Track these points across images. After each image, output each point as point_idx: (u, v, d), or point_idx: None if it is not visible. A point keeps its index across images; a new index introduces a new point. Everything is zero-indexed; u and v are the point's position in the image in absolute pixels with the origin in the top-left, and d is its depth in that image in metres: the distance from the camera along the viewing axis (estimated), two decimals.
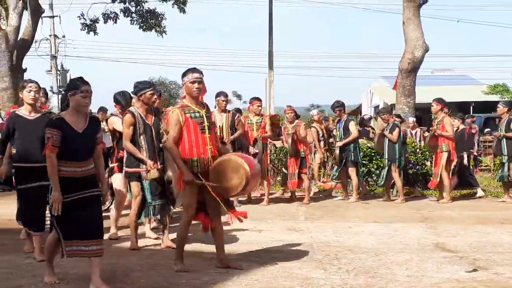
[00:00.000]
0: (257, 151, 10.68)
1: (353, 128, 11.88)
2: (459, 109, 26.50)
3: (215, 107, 10.30)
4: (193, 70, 6.09)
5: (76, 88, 5.27)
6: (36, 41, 22.36)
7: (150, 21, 20.34)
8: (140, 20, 20.53)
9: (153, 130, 7.08)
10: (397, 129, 11.81)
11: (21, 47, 16.82)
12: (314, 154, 13.68)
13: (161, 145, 7.13)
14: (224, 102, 10.46)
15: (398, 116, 13.38)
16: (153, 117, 7.16)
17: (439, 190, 11.88)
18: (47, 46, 31.99)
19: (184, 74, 6.07)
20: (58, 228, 5.28)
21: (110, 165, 8.00)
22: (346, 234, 8.29)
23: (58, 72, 31.58)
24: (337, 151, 11.88)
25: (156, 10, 20.57)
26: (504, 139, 11.63)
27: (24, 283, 5.67)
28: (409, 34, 15.54)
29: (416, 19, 15.56)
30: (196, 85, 6.01)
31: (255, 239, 7.81)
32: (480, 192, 12.51)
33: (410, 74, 15.62)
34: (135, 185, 7.12)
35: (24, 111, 6.68)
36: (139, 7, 20.39)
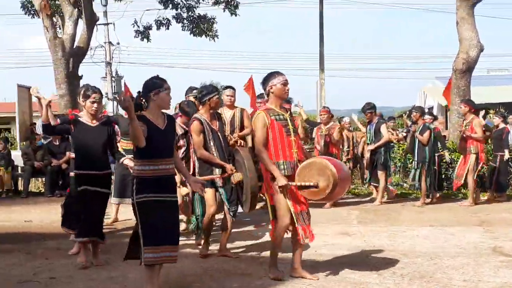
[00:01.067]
0: None
1: (384, 131, 11.72)
2: None
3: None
4: (280, 73, 6.00)
5: (159, 87, 5.24)
6: (91, 48, 22.80)
7: (201, 26, 20.53)
8: (191, 26, 20.73)
9: (219, 135, 6.97)
10: (428, 131, 11.61)
11: (77, 54, 17.16)
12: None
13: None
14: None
15: (431, 114, 13.06)
16: (217, 122, 7.06)
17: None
18: (102, 53, 32.55)
19: (268, 78, 5.97)
20: (141, 231, 5.14)
21: None
22: (400, 238, 8.18)
23: (113, 79, 32.12)
24: (368, 154, 11.76)
25: (207, 15, 20.75)
26: None
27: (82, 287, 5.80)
28: (463, 34, 15.24)
29: (470, 18, 15.25)
30: (287, 87, 5.96)
31: (308, 243, 7.78)
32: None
33: (465, 75, 15.31)
34: (210, 193, 6.88)
35: (86, 118, 6.63)
36: (190, 12, 20.59)
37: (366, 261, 6.79)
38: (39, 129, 13.29)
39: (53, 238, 8.19)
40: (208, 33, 20.59)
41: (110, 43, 32.32)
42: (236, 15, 20.15)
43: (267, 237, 7.89)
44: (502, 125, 12.42)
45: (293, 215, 5.79)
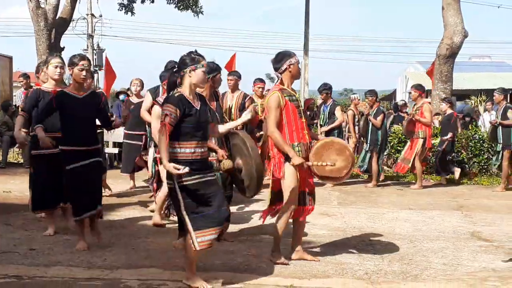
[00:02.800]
0: (262, 133, 10.43)
1: (339, 113, 11.85)
2: None
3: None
4: (293, 53, 5.84)
5: (197, 62, 4.96)
6: (73, 20, 22.47)
7: (187, 0, 20.32)
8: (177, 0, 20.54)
9: (217, 116, 6.61)
10: (381, 115, 11.91)
11: (59, 25, 16.95)
12: (348, 139, 13.54)
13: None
14: (261, 89, 10.55)
15: (449, 101, 13.24)
16: (215, 103, 6.72)
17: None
18: (84, 25, 32.22)
19: (284, 57, 5.75)
20: (188, 218, 4.86)
21: (158, 155, 7.17)
22: (380, 220, 8.24)
23: (94, 51, 31.82)
24: (323, 136, 11.86)
25: None
26: (500, 127, 11.52)
27: (62, 259, 5.77)
28: (448, 20, 15.29)
29: (456, 4, 15.29)
30: (299, 67, 5.87)
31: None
32: (457, 174, 12.31)
33: (448, 60, 15.39)
34: None
35: (71, 89, 6.25)
36: None
37: (346, 242, 6.84)
38: (17, 101, 13.15)
39: None
40: (193, 8, 20.40)
41: (92, 15, 31.95)
42: None
43: (253, 219, 7.92)
44: (449, 111, 12.65)
45: (299, 195, 5.71)
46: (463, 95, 24.43)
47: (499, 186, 11.55)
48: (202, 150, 4.96)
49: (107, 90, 16.88)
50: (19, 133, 6.75)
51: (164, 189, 7.04)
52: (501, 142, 11.50)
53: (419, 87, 11.87)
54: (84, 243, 6.19)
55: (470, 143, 13.10)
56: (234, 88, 9.56)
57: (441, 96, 15.36)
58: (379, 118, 11.77)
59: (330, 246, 6.52)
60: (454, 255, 6.32)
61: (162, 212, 7.32)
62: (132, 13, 20.72)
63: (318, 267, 5.68)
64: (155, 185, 7.68)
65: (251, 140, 5.76)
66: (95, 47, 32.26)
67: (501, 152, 11.56)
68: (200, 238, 4.80)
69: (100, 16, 32.15)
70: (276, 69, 5.81)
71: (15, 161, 14.99)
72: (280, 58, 5.78)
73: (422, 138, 11.49)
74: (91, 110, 6.30)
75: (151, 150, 8.03)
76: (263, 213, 6.03)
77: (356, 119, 13.66)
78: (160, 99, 6.86)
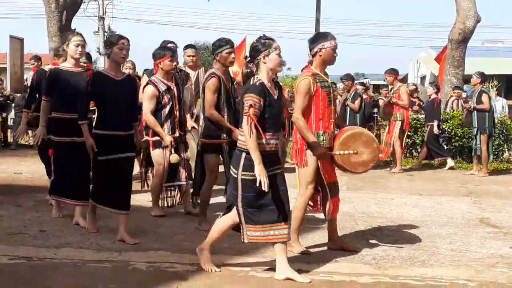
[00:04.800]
0: None
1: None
2: (508, 81, 25.92)
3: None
4: (332, 35, 5.49)
5: (268, 47, 4.75)
6: (84, 2, 22.46)
7: None
8: None
9: (232, 96, 6.34)
10: (359, 99, 12.31)
11: (70, 7, 16.93)
12: None
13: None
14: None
15: (459, 87, 13.33)
16: (231, 84, 6.41)
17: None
18: (95, 7, 32.27)
19: (317, 39, 5.47)
20: (242, 211, 4.75)
21: (149, 139, 6.97)
22: (388, 206, 8.25)
23: (105, 34, 31.87)
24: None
25: None
26: (475, 112, 11.52)
27: (72, 241, 5.81)
28: (461, 4, 15.16)
29: None
30: (336, 52, 5.53)
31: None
32: (450, 163, 12.33)
33: (460, 45, 15.27)
34: (214, 159, 6.34)
35: (109, 71, 5.91)
36: None
37: (354, 227, 6.85)
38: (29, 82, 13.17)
39: (43, 192, 8.14)
40: None
41: None
42: None
43: None
44: (434, 96, 12.69)
45: (326, 187, 5.54)
46: None
47: (482, 171, 11.58)
48: (276, 142, 4.81)
49: None
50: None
51: (157, 174, 6.93)
52: (476, 126, 11.54)
53: (392, 71, 12.00)
54: (94, 225, 6.20)
55: None
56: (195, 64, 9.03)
57: (453, 81, 15.29)
58: (357, 102, 12.25)
59: (338, 231, 6.53)
60: (462, 241, 6.32)
61: (161, 201, 7.12)
62: None
63: (326, 252, 5.70)
64: (143, 169, 7.44)
65: None
66: (106, 29, 32.32)
67: (478, 136, 11.55)
68: (251, 232, 4.75)
69: None
70: (309, 50, 5.52)
71: (26, 143, 15.08)
72: (313, 40, 5.50)
73: (400, 120, 11.67)
74: (129, 94, 5.94)
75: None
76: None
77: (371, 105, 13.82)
78: (154, 78, 6.82)
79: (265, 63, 4.75)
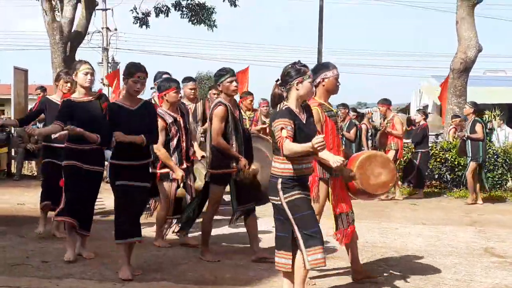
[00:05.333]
0: None
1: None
2: (511, 111, 25.94)
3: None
4: (333, 65, 5.48)
5: (303, 74, 4.73)
6: (88, 33, 22.65)
7: (201, 14, 20.39)
8: (190, 14, 20.62)
9: (240, 125, 6.31)
10: (354, 128, 12.42)
11: (74, 39, 17.08)
12: None
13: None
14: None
15: (424, 113, 13.36)
16: (238, 112, 6.41)
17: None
18: (99, 39, 32.52)
19: (320, 69, 5.46)
20: (301, 235, 4.65)
21: (156, 171, 6.81)
22: (392, 235, 8.21)
23: (109, 65, 32.07)
24: None
25: (205, 4, 20.62)
26: (469, 141, 11.58)
27: (75, 272, 5.79)
28: (462, 34, 15.26)
29: (470, 18, 15.26)
30: (338, 81, 5.51)
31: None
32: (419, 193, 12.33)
33: (462, 74, 15.35)
34: (219, 191, 6.31)
35: (123, 101, 5.86)
36: (189, 0, 20.47)
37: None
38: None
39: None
40: (207, 22, 20.49)
41: (107, 28, 32.26)
42: (235, 6, 20.05)
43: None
44: (422, 122, 12.76)
45: (334, 217, 5.50)
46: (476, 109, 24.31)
47: (468, 198, 11.60)
48: (308, 166, 4.75)
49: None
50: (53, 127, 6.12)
51: (163, 207, 6.87)
52: (470, 155, 11.59)
53: (384, 101, 12.13)
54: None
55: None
56: (195, 97, 9.23)
57: (455, 111, 15.32)
58: (352, 131, 12.17)
59: (342, 260, 6.50)
60: (467, 271, 6.28)
61: (166, 231, 7.10)
62: (147, 26, 20.81)
63: (330, 281, 5.67)
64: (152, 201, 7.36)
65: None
66: (110, 61, 32.53)
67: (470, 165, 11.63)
68: (311, 257, 4.61)
69: (115, 29, 32.49)
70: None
71: (29, 174, 15.09)
72: (317, 69, 5.47)
73: (394, 149, 11.74)
74: (144, 123, 5.80)
75: None
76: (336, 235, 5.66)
77: (370, 133, 13.75)
78: (160, 110, 6.70)
79: (297, 89, 4.72)
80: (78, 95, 6.27)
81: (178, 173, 6.70)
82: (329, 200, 5.53)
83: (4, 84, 28.75)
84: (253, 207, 6.43)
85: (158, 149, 6.59)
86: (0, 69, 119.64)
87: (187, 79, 8.16)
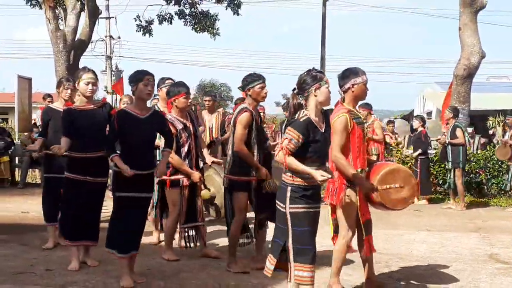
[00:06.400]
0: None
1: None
2: None
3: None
4: (361, 71, 5.35)
5: (320, 80, 4.66)
6: (92, 42, 22.70)
7: (204, 22, 20.41)
8: (194, 22, 20.64)
9: (262, 134, 6.23)
10: None
11: (78, 47, 17.12)
12: None
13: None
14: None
15: (422, 119, 13.30)
16: (260, 121, 6.29)
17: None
18: (102, 47, 32.62)
19: (348, 75, 5.32)
20: (292, 248, 4.67)
21: (166, 177, 6.62)
22: (397, 242, 8.19)
23: (112, 73, 32.16)
24: None
25: (209, 12, 20.65)
26: (449, 146, 11.61)
27: (78, 280, 5.78)
28: (465, 40, 15.26)
29: (473, 25, 15.26)
30: (367, 87, 5.38)
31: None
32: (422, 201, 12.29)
33: (465, 81, 15.33)
34: (243, 197, 6.16)
35: (132, 108, 5.78)
36: (193, 8, 20.50)
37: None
38: (37, 121, 13.27)
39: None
40: (210, 29, 20.51)
41: (111, 37, 32.35)
42: (238, 15, 20.08)
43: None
44: (420, 128, 12.76)
45: (361, 226, 5.42)
46: (481, 115, 24.28)
47: (459, 205, 11.58)
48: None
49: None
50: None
51: (173, 217, 6.72)
52: (450, 160, 11.61)
53: (365, 106, 11.97)
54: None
55: (489, 164, 13.00)
56: (212, 109, 9.51)
57: (459, 117, 15.28)
58: None
59: (346, 267, 6.46)
60: (472, 277, 6.26)
61: (179, 242, 6.87)
62: (150, 35, 20.83)
63: None
64: (157, 211, 7.17)
65: None
66: (114, 69, 32.60)
67: (452, 170, 11.63)
68: (297, 272, 4.63)
69: (119, 37, 32.59)
70: (340, 86, 5.39)
71: (33, 182, 15.11)
72: (344, 76, 5.35)
73: (375, 154, 11.74)
74: (153, 132, 5.83)
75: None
76: (333, 240, 5.65)
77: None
78: (170, 117, 6.57)
79: (315, 96, 4.66)
80: (80, 104, 6.21)
81: (196, 176, 6.61)
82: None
83: (8, 92, 28.80)
84: (266, 221, 6.36)
85: (171, 156, 6.39)
86: (3, 78, 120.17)
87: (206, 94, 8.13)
